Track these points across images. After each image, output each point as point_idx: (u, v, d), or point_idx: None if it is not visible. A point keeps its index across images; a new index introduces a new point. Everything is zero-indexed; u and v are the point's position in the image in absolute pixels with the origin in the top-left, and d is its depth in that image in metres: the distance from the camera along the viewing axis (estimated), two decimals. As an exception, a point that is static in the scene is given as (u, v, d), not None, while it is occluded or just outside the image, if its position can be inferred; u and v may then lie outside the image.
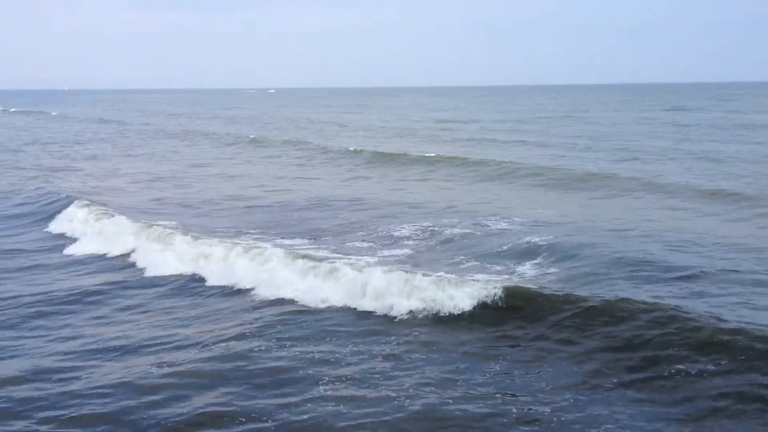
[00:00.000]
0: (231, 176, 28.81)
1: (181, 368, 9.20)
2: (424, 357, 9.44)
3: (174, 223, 17.88)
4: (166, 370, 9.16)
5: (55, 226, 18.75)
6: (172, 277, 13.92)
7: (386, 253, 14.52)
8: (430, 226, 16.90)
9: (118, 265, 15.12)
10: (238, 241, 14.87)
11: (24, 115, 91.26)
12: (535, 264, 13.33)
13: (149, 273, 14.24)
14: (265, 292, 12.30)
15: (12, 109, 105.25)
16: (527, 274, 12.73)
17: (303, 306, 11.62)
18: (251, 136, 46.71)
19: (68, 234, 17.87)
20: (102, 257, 15.78)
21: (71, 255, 16.08)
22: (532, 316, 10.43)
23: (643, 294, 10.88)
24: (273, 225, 18.15)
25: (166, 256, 14.53)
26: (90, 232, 17.27)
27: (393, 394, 8.30)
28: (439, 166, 29.28)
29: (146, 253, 14.97)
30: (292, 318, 11.12)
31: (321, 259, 13.01)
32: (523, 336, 10.05)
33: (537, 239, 14.76)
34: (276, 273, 12.61)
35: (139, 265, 14.79)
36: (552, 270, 12.84)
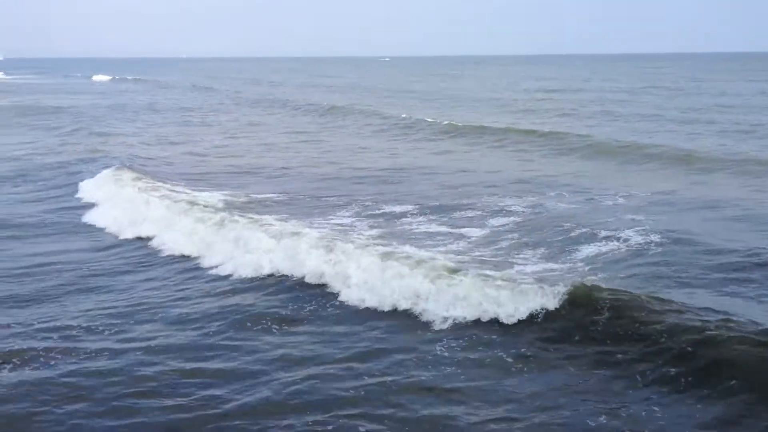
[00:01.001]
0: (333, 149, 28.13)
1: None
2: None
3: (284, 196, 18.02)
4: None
5: (90, 193, 18.84)
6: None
7: (495, 222, 14.72)
8: (537, 202, 16.57)
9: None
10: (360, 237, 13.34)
11: (129, 83, 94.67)
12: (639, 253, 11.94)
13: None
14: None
15: (117, 77, 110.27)
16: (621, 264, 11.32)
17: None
18: (358, 107, 44.64)
19: (98, 201, 17.77)
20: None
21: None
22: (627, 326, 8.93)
23: (754, 308, 9.16)
24: (382, 193, 18.27)
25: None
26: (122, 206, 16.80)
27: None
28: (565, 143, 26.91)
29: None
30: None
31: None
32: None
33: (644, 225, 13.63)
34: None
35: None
36: (658, 265, 11.41)
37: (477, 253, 12.30)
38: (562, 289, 9.55)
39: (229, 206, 16.18)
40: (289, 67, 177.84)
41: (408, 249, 11.83)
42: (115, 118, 42.66)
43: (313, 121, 39.74)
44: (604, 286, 9.73)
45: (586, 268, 11.19)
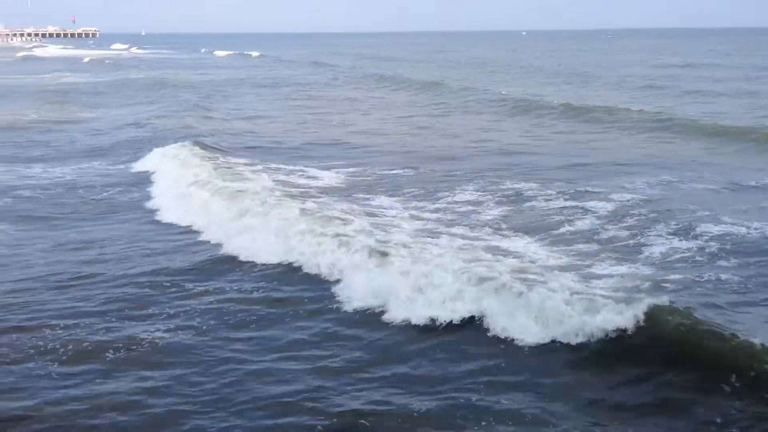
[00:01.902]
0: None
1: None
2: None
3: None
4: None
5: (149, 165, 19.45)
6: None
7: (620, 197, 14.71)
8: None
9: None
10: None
11: (249, 59, 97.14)
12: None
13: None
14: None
15: (236, 52, 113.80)
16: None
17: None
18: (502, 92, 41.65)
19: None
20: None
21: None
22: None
23: None
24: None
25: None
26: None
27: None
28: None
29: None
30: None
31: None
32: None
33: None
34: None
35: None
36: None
37: (605, 234, 12.22)
38: (638, 311, 8.08)
39: (351, 187, 16.62)
40: (421, 42, 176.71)
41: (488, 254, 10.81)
42: (223, 92, 44.07)
43: (435, 101, 38.71)
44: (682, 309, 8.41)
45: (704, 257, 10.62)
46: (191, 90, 44.90)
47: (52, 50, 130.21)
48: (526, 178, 17.09)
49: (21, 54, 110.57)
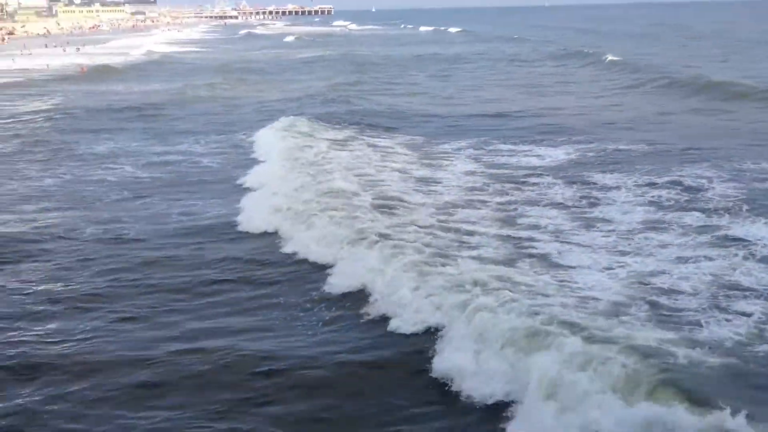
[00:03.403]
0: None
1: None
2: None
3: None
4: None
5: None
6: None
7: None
8: None
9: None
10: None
11: (451, 35, 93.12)
12: None
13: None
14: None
15: (441, 28, 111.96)
16: None
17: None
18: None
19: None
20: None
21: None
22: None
23: None
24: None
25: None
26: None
27: None
28: None
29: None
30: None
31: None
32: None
33: None
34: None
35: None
36: None
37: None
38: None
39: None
40: (639, 14, 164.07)
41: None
42: (400, 68, 43.73)
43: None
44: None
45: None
46: (368, 66, 43.96)
47: (278, 26, 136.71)
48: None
49: (244, 31, 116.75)
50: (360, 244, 10.73)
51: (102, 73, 43.47)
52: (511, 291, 8.60)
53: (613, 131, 20.69)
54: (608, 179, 14.88)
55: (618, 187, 14.18)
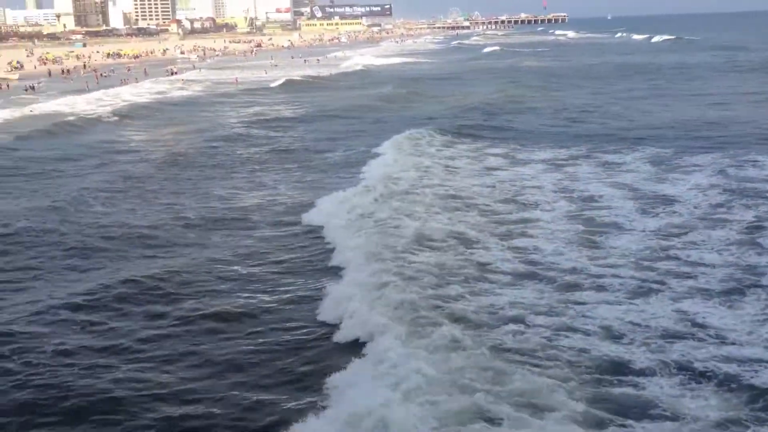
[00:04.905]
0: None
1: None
2: None
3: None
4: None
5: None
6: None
7: None
8: None
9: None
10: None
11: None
12: None
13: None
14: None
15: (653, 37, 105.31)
16: None
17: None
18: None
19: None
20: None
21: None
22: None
23: None
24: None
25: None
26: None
27: None
28: None
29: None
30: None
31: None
32: None
33: None
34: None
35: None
36: None
37: None
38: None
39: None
40: None
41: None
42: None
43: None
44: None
45: None
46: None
47: (489, 34, 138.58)
48: None
49: (455, 42, 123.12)
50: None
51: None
52: None
53: None
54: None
55: None
